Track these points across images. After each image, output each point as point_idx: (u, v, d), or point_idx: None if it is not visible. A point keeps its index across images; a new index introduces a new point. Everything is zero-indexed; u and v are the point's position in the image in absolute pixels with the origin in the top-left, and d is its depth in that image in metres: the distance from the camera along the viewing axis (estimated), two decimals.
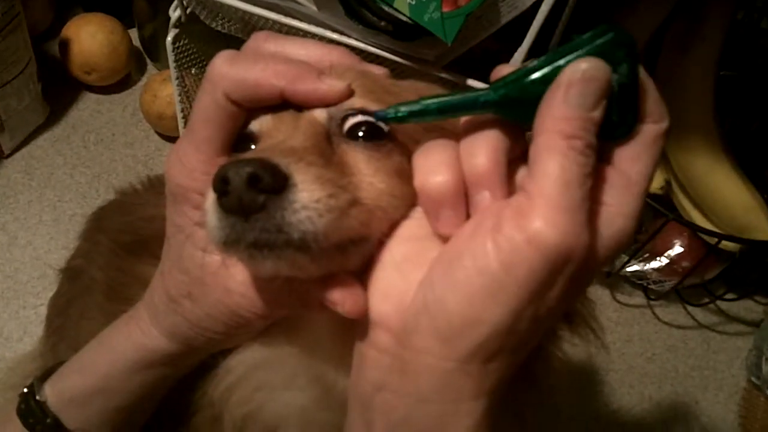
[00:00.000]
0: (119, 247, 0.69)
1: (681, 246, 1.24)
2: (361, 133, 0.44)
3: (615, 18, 1.17)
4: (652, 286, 1.28)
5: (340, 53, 0.47)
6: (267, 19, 0.97)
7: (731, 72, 1.26)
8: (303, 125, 0.43)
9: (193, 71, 1.20)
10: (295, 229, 0.38)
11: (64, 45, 1.34)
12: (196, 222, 0.46)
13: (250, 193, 0.37)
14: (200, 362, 0.54)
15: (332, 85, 0.43)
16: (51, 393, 0.56)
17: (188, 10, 1.07)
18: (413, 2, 0.82)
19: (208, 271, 0.47)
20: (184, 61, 1.17)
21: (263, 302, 0.46)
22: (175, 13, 1.08)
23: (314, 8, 0.93)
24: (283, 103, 0.45)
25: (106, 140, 1.36)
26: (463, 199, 0.41)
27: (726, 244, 1.18)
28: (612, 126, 0.39)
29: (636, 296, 1.33)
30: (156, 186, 0.81)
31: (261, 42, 0.47)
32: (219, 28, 1.08)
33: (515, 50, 0.94)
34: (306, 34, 0.96)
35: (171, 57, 1.14)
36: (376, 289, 0.42)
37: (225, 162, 0.41)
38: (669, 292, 1.29)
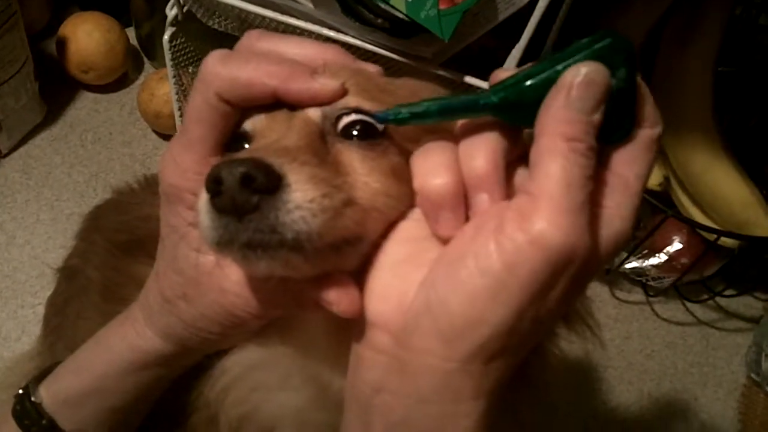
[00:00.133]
0: (115, 247, 0.69)
1: (680, 242, 1.24)
2: (355, 132, 0.43)
3: (611, 15, 1.17)
4: (651, 283, 1.28)
5: (333, 51, 0.47)
6: (264, 17, 0.97)
7: (730, 68, 1.26)
8: (297, 124, 0.43)
9: (190, 70, 1.20)
10: (289, 230, 0.38)
11: (61, 44, 1.34)
12: (190, 222, 0.46)
13: (244, 194, 0.37)
14: (196, 363, 0.54)
15: (325, 84, 0.43)
16: (46, 394, 0.56)
17: (185, 9, 1.07)
18: None
19: (202, 271, 0.47)
20: (181, 59, 1.16)
21: (258, 302, 0.46)
22: (171, 12, 1.08)
23: (311, 6, 0.92)
24: (276, 103, 0.44)
25: (103, 139, 1.36)
26: (462, 201, 0.41)
27: (725, 241, 1.18)
28: (609, 130, 0.39)
29: (635, 293, 1.33)
30: (152, 185, 0.81)
31: (254, 40, 0.47)
32: (216, 27, 1.08)
33: (513, 47, 0.94)
34: (303, 32, 0.96)
35: (168, 55, 1.14)
36: (373, 290, 0.42)
37: (218, 162, 0.40)
38: (668, 289, 1.29)
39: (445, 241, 0.41)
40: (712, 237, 1.17)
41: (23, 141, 1.32)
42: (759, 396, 1.20)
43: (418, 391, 0.40)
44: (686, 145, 1.19)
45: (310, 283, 0.42)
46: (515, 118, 0.41)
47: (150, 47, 1.43)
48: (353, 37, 0.94)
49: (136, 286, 0.55)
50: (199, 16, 1.07)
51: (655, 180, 1.23)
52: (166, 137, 1.35)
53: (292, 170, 0.38)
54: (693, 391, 1.24)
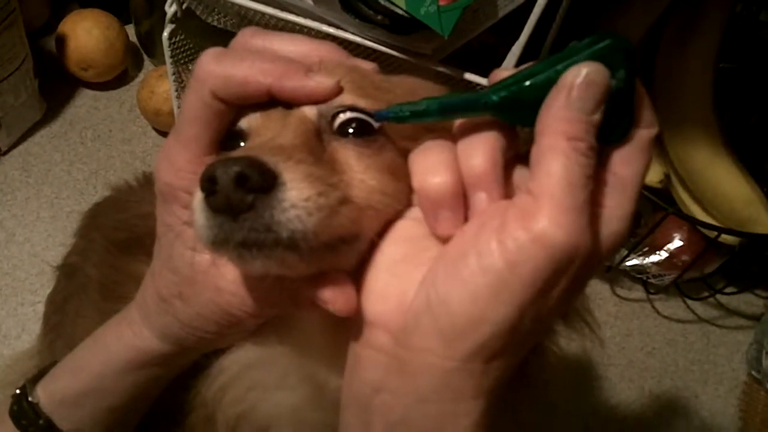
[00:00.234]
0: (113, 245, 0.69)
1: (680, 240, 1.23)
2: (351, 130, 0.43)
3: (611, 13, 1.17)
4: (652, 280, 1.27)
5: (328, 48, 0.47)
6: (263, 14, 0.97)
7: (730, 65, 1.26)
8: (292, 122, 0.43)
9: (189, 67, 1.20)
10: (284, 228, 0.38)
11: (61, 41, 1.34)
12: (185, 221, 0.46)
13: (238, 193, 0.37)
14: (194, 362, 0.54)
15: (320, 83, 0.43)
16: (43, 394, 0.56)
17: (184, 6, 1.07)
18: None
19: (198, 270, 0.47)
20: (180, 56, 1.16)
21: (254, 301, 0.46)
22: (171, 9, 1.08)
23: (310, 2, 0.92)
24: (272, 101, 0.44)
25: (103, 136, 1.35)
26: (461, 200, 0.41)
27: (726, 238, 1.17)
28: (608, 130, 0.39)
29: (636, 290, 1.33)
30: (151, 183, 0.80)
31: (248, 38, 0.47)
32: (215, 24, 1.08)
33: (513, 44, 0.93)
34: (302, 29, 0.96)
35: (167, 53, 1.13)
36: (372, 290, 0.42)
37: (213, 160, 0.40)
38: (669, 286, 1.29)
39: (443, 240, 0.41)
40: (712, 234, 1.17)
41: (23, 138, 1.32)
42: (760, 393, 1.20)
43: (418, 391, 0.40)
44: (687, 142, 1.18)
45: (306, 282, 0.42)
46: (515, 118, 0.41)
47: (149, 44, 1.43)
48: (353, 33, 0.93)
49: (135, 284, 0.54)
50: (198, 13, 1.07)
51: (655, 177, 1.23)
52: (166, 135, 1.33)
53: (287, 169, 0.38)
54: (694, 389, 1.24)
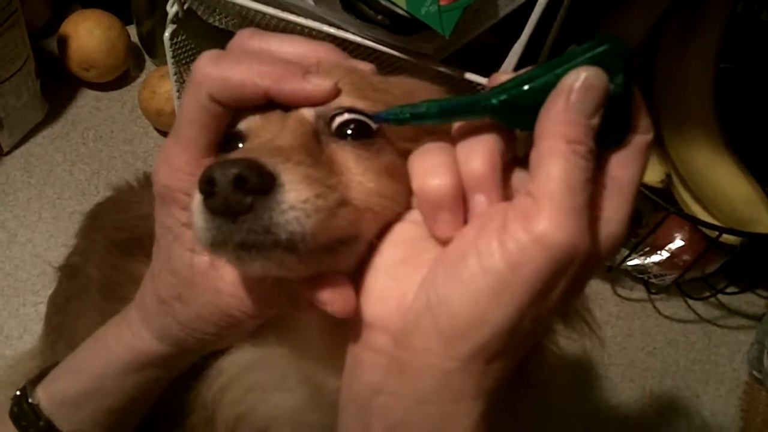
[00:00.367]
0: (114, 246, 0.69)
1: (682, 239, 1.23)
2: (349, 132, 0.43)
3: (612, 14, 1.17)
4: (653, 280, 1.27)
5: (326, 49, 0.47)
6: (264, 14, 0.97)
7: (731, 65, 1.26)
8: (290, 124, 0.43)
9: (191, 67, 1.20)
10: (283, 230, 0.38)
11: (63, 42, 1.34)
12: (184, 223, 0.46)
13: (237, 194, 0.37)
14: (193, 363, 0.54)
15: (318, 85, 0.43)
16: (44, 395, 0.56)
17: (185, 6, 1.07)
18: None
19: (196, 271, 0.47)
20: (182, 57, 1.16)
21: (253, 302, 0.46)
22: (172, 9, 1.08)
23: (311, 3, 0.92)
24: (270, 103, 0.44)
25: (105, 137, 1.36)
26: (461, 202, 0.41)
27: (727, 238, 1.17)
28: (606, 134, 0.40)
29: (637, 290, 1.33)
30: (152, 183, 0.81)
31: (246, 39, 0.47)
32: (216, 24, 1.08)
33: (513, 44, 0.93)
34: (303, 29, 0.96)
35: (169, 53, 1.13)
36: (371, 292, 0.42)
37: (211, 162, 0.40)
38: (670, 286, 1.29)
39: (443, 242, 0.41)
40: (714, 234, 1.17)
41: (25, 139, 1.32)
42: (761, 393, 1.20)
43: (418, 392, 0.40)
44: (688, 142, 1.18)
45: (304, 283, 0.42)
46: (514, 121, 0.41)
47: (151, 45, 1.43)
48: (353, 34, 0.93)
49: (136, 285, 0.54)
50: (199, 13, 1.07)
51: (656, 177, 1.23)
52: (168, 135, 1.34)
53: (285, 170, 0.38)
54: (695, 389, 1.24)
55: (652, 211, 1.25)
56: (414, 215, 0.43)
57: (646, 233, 1.20)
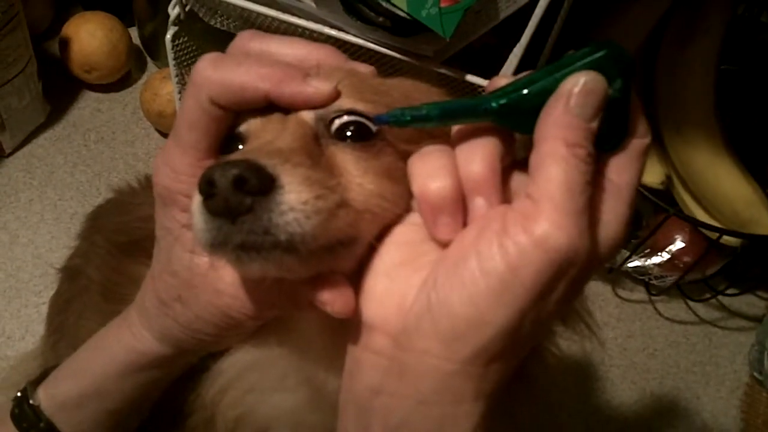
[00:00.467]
0: (115, 248, 0.69)
1: (682, 241, 1.23)
2: (349, 134, 0.43)
3: (612, 15, 1.17)
4: (654, 282, 1.27)
5: (326, 51, 0.47)
6: (266, 16, 0.97)
7: (732, 66, 1.26)
8: (290, 127, 0.43)
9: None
10: (282, 231, 0.38)
11: (64, 44, 1.34)
12: (184, 224, 0.46)
13: (237, 196, 0.37)
14: (194, 365, 0.54)
15: (318, 88, 0.43)
16: (44, 396, 0.56)
17: (187, 8, 1.07)
18: None
19: (196, 273, 0.47)
20: (183, 58, 1.16)
21: (253, 303, 0.46)
22: (174, 11, 1.08)
23: (312, 5, 0.93)
24: (271, 105, 0.44)
25: (106, 139, 1.36)
26: (461, 205, 0.41)
27: (727, 239, 1.17)
28: (604, 138, 0.40)
29: (637, 292, 1.33)
30: (152, 185, 0.81)
31: (246, 41, 0.47)
32: (218, 26, 1.08)
33: (514, 45, 0.94)
34: (304, 31, 0.96)
35: (170, 55, 1.14)
36: (371, 294, 0.42)
37: (211, 164, 0.40)
38: (670, 288, 1.29)
39: (442, 245, 0.41)
40: (714, 235, 1.17)
41: (26, 141, 1.33)
42: (761, 395, 1.20)
43: (418, 393, 0.40)
44: (688, 144, 1.18)
45: (304, 284, 0.42)
46: (513, 124, 0.42)
47: (153, 47, 1.43)
48: (355, 35, 0.94)
49: (136, 287, 0.55)
50: (201, 15, 1.07)
51: (657, 178, 1.23)
52: (168, 137, 1.34)
53: (285, 172, 0.38)
54: (695, 390, 1.24)
55: (653, 212, 1.25)
56: (414, 217, 0.43)
57: (646, 235, 1.20)
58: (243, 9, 0.98)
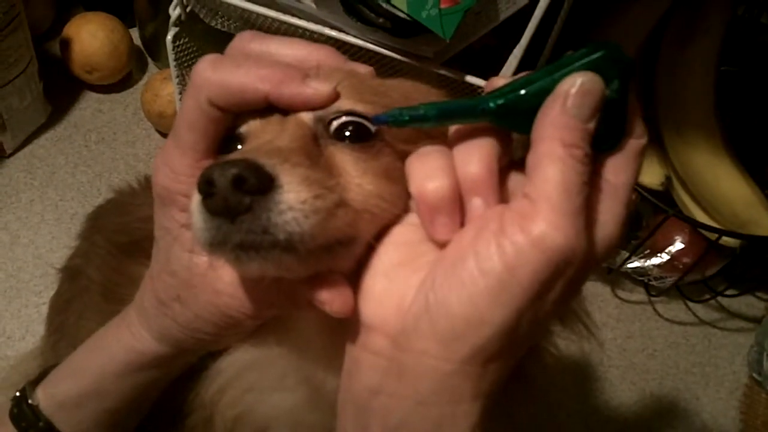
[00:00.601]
0: (115, 248, 0.69)
1: (682, 242, 1.23)
2: (348, 134, 0.44)
3: (612, 16, 1.17)
4: (653, 283, 1.27)
5: (326, 52, 0.47)
6: (266, 17, 0.98)
7: (732, 67, 1.26)
8: (289, 127, 0.43)
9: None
10: (281, 231, 0.38)
11: (65, 44, 1.34)
12: (183, 224, 0.46)
13: (236, 195, 0.37)
14: (193, 364, 0.54)
15: (317, 90, 0.43)
16: (43, 396, 0.56)
17: (188, 9, 1.07)
18: None
19: (195, 272, 0.47)
20: (184, 59, 1.17)
21: (252, 302, 0.46)
22: (174, 12, 1.08)
23: (313, 6, 0.93)
24: (271, 106, 0.44)
25: (107, 139, 1.36)
26: (458, 205, 0.41)
27: (727, 240, 1.17)
28: (601, 138, 0.40)
29: (637, 293, 1.33)
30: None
31: (245, 42, 0.47)
32: (219, 27, 1.08)
33: (514, 46, 0.94)
34: (305, 32, 0.96)
35: (171, 56, 1.14)
36: (369, 294, 0.42)
37: (210, 164, 0.41)
38: (670, 289, 1.29)
39: (440, 245, 0.41)
40: (713, 236, 1.17)
41: (27, 141, 1.33)
42: (761, 396, 1.20)
43: (417, 393, 0.40)
44: (688, 145, 1.18)
45: (303, 283, 0.42)
46: (511, 125, 0.42)
47: (154, 47, 1.43)
48: (355, 36, 0.94)
49: (136, 287, 0.55)
50: (202, 16, 1.07)
51: (656, 179, 1.23)
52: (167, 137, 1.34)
53: (284, 171, 0.39)
54: (695, 391, 1.24)
55: (652, 213, 1.25)
56: (412, 218, 0.43)
57: (646, 236, 1.20)
58: (243, 10, 0.98)
